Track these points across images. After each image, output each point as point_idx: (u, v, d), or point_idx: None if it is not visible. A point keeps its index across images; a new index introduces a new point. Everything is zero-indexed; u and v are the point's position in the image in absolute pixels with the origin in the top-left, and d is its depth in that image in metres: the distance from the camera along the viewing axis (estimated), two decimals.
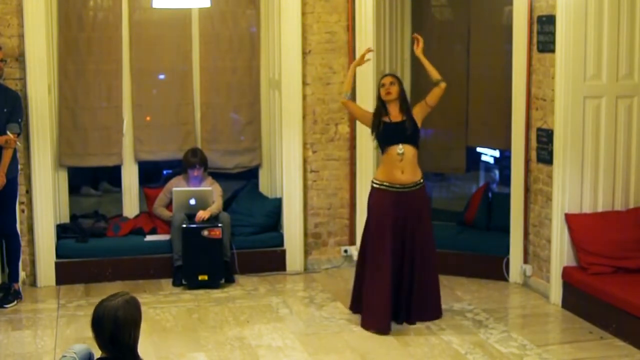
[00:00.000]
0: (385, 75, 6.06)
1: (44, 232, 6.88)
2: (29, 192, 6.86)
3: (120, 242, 7.18)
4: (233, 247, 7.11)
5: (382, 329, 5.77)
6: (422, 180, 5.93)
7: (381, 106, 5.92)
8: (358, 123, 7.25)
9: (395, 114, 5.88)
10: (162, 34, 7.47)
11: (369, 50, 6.15)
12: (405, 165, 5.80)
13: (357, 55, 7.13)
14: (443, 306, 6.18)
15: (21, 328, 6.03)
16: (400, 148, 5.79)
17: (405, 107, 5.91)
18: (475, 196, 7.73)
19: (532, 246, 6.76)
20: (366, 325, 5.86)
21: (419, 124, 5.92)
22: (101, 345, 3.21)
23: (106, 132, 7.40)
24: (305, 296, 6.73)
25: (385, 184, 5.85)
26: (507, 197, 6.99)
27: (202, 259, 6.83)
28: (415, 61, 7.87)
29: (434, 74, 5.93)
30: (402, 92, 5.92)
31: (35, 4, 6.66)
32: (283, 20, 7.16)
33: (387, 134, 5.86)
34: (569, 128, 6.17)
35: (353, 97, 6.35)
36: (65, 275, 6.96)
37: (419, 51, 5.98)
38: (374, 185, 5.93)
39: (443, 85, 5.89)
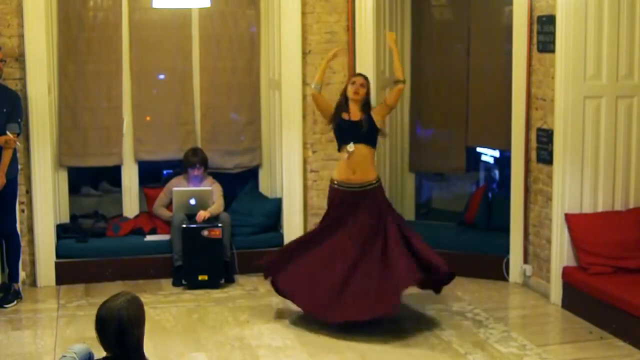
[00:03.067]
0: (357, 75, 6.13)
1: (44, 232, 6.88)
2: (29, 192, 6.86)
3: (120, 242, 7.18)
4: (233, 247, 7.11)
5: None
6: (375, 182, 5.92)
7: (343, 103, 5.96)
8: None
9: (354, 113, 5.93)
10: (162, 34, 7.47)
11: (335, 54, 6.23)
12: (356, 164, 5.84)
13: (357, 57, 7.17)
14: (441, 305, 6.18)
15: (21, 328, 6.03)
16: (350, 146, 5.83)
17: (366, 108, 5.95)
18: (475, 196, 7.74)
19: (532, 246, 6.76)
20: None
21: (380, 124, 5.95)
22: (106, 346, 3.20)
23: (106, 132, 7.40)
24: None
25: (335, 182, 5.94)
26: (507, 197, 6.99)
27: (202, 259, 6.83)
28: (415, 61, 7.91)
29: (399, 73, 6.01)
30: (367, 95, 5.98)
31: (35, 4, 6.66)
32: (283, 20, 7.17)
33: (342, 132, 5.93)
34: (569, 128, 6.17)
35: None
36: (65, 275, 6.96)
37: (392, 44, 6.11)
38: (331, 184, 6.00)
39: (402, 86, 5.97)
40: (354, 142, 5.84)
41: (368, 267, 5.73)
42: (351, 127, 5.89)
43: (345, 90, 6.02)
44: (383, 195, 6.04)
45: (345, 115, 5.92)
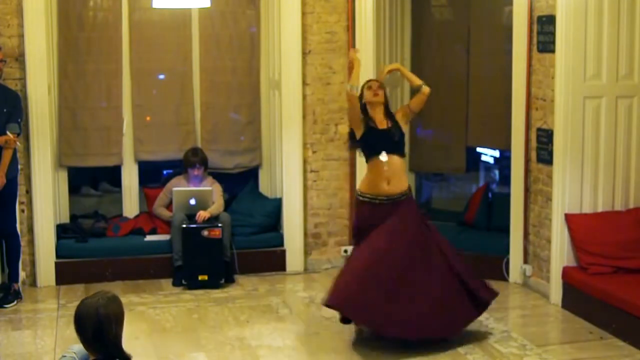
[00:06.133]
0: (371, 80, 5.74)
1: (44, 232, 6.89)
2: (29, 192, 6.86)
3: (120, 242, 7.18)
4: (233, 247, 7.11)
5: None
6: (408, 191, 5.62)
7: (364, 112, 5.59)
8: None
9: (380, 120, 5.58)
10: (162, 34, 7.47)
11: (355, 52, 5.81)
12: (390, 175, 5.50)
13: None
14: None
15: (21, 328, 6.03)
16: (383, 156, 5.48)
17: (390, 114, 5.64)
18: (475, 196, 7.74)
19: (532, 246, 6.76)
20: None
21: (404, 130, 5.67)
22: (85, 344, 3.22)
23: (106, 132, 7.40)
24: (305, 296, 6.73)
25: (368, 195, 5.54)
26: (507, 197, 6.99)
27: (202, 259, 6.83)
28: (415, 61, 7.91)
29: (415, 80, 5.75)
30: (387, 97, 5.66)
31: (35, 4, 6.66)
32: (283, 20, 7.17)
33: (373, 141, 5.54)
34: (569, 128, 6.17)
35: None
36: (65, 275, 6.96)
37: (396, 65, 5.93)
38: (359, 197, 5.62)
39: (426, 90, 5.66)
40: (387, 152, 5.50)
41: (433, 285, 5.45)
42: (382, 135, 5.54)
43: (361, 98, 5.57)
44: (414, 204, 5.73)
45: (371, 124, 5.54)
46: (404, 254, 5.45)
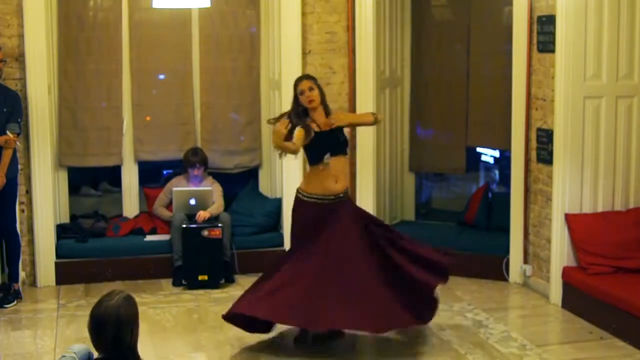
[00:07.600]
0: (301, 80, 5.50)
1: (44, 232, 6.89)
2: (29, 192, 6.86)
3: (120, 242, 7.18)
4: (233, 247, 7.11)
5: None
6: (348, 190, 5.57)
7: (302, 114, 5.39)
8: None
9: (323, 122, 5.42)
10: (162, 34, 7.47)
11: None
12: (337, 173, 5.43)
13: (357, 57, 7.15)
14: (441, 305, 6.16)
15: (21, 328, 6.03)
16: (327, 157, 5.39)
17: (327, 108, 5.50)
18: (475, 196, 7.74)
19: (532, 246, 6.76)
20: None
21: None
22: (101, 346, 3.17)
23: (106, 132, 7.40)
24: None
25: (315, 195, 5.40)
26: (507, 197, 6.99)
27: (202, 259, 6.83)
28: (415, 61, 7.91)
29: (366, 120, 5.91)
30: (322, 95, 5.45)
31: (35, 4, 6.66)
32: (283, 20, 7.16)
33: (319, 144, 5.40)
34: (569, 128, 6.17)
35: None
36: (65, 275, 6.96)
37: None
38: (304, 198, 5.45)
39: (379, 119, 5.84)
40: (332, 154, 5.42)
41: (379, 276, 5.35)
42: (327, 137, 5.43)
43: (298, 100, 5.42)
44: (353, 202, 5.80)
45: (315, 127, 5.38)
46: (348, 254, 5.39)
